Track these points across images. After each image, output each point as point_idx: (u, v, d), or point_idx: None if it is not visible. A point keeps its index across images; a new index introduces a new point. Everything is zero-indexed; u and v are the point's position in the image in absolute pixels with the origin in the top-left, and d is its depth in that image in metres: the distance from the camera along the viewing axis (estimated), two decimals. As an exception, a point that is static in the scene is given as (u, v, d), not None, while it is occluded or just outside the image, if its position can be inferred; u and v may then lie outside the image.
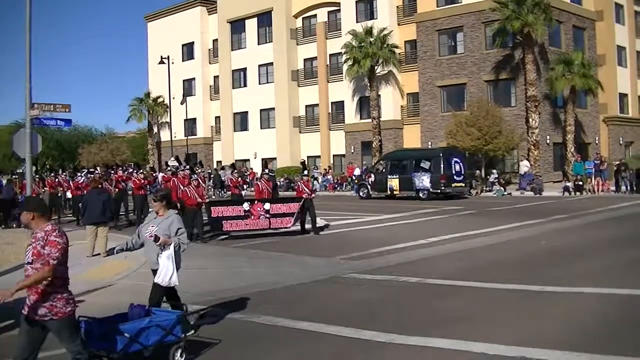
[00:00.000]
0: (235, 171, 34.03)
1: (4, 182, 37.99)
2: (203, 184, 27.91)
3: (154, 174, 34.32)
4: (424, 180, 43.18)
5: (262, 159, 69.61)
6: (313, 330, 11.42)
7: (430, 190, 42.73)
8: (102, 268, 18.54)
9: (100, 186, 24.14)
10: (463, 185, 44.75)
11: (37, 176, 39.70)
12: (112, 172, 34.62)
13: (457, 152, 47.88)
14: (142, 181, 29.05)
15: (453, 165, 43.53)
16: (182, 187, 25.18)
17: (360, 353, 10.13)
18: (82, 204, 25.71)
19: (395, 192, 44.86)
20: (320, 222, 27.33)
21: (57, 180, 36.29)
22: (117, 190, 29.97)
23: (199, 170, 32.71)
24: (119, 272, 17.80)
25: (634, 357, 9.19)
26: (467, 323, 11.58)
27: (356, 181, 53.99)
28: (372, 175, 47.17)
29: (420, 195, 43.22)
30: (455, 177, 43.40)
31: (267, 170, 31.33)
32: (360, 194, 47.72)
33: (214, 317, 12.73)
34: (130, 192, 31.36)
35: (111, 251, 21.01)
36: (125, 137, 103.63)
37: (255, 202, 25.45)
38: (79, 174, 34.26)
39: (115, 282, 16.54)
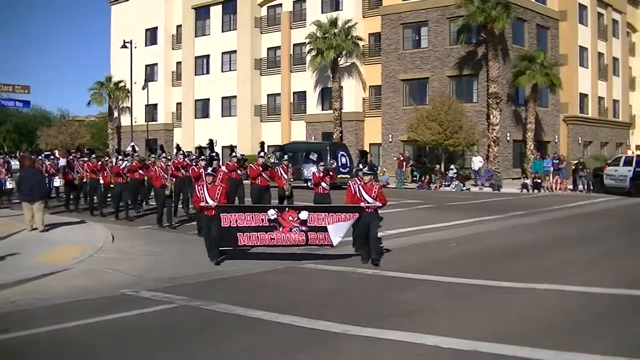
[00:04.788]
0: (322, 164, 23.50)
1: None
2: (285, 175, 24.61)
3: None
4: (312, 171, 44.01)
5: (222, 147, 69.55)
6: (268, 320, 11.38)
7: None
8: (57, 252, 18.37)
9: (33, 166, 24.17)
10: (349, 176, 45.52)
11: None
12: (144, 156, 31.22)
13: (343, 146, 51.64)
14: (236, 165, 26.06)
15: (339, 158, 45.28)
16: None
17: (315, 343, 10.12)
18: (16, 182, 25.84)
19: None
20: None
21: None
22: (173, 180, 25.74)
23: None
24: (74, 256, 17.65)
25: (588, 353, 9.26)
26: (421, 316, 11.62)
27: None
28: None
29: (309, 184, 44.51)
30: (341, 169, 44.89)
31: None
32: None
33: (169, 304, 12.68)
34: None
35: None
36: (86, 120, 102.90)
37: (287, 209, 17.91)
38: (119, 157, 29.86)
39: (71, 267, 16.38)
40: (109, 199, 29.76)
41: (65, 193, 31.20)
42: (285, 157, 26.53)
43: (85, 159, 30.68)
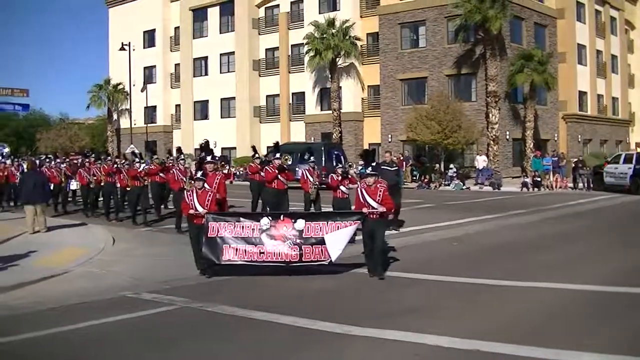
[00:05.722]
0: (341, 166, 22.93)
1: None
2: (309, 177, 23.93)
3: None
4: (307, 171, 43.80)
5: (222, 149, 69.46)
6: (269, 321, 11.41)
7: (312, 179, 43.35)
8: (57, 255, 18.39)
9: (34, 169, 24.51)
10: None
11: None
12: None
13: (337, 146, 51.79)
14: (258, 167, 25.32)
15: (333, 158, 45.10)
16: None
17: (316, 344, 10.15)
18: (18, 185, 25.63)
19: None
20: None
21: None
22: (192, 183, 25.03)
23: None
24: (75, 259, 17.67)
25: (586, 351, 9.29)
26: (422, 315, 11.65)
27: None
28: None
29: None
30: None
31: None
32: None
33: (170, 305, 12.70)
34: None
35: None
36: (85, 123, 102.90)
37: (282, 217, 16.01)
38: (136, 160, 28.33)
39: (71, 269, 16.40)
40: (126, 203, 29.19)
41: (83, 197, 30.35)
42: (312, 158, 25.25)
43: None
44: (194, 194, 16.10)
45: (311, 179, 23.89)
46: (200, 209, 15.87)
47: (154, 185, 27.67)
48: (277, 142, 26.04)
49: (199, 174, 17.05)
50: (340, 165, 22.38)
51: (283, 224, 15.63)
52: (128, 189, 27.53)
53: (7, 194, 34.02)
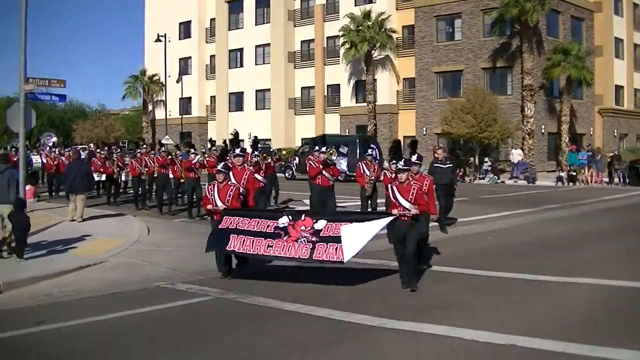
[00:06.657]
0: (395, 162, 18.58)
1: None
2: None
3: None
4: (342, 164, 43.47)
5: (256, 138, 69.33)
6: (303, 313, 11.44)
7: (347, 172, 42.99)
8: (93, 244, 18.51)
9: (78, 159, 24.71)
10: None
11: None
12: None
13: (372, 139, 51.47)
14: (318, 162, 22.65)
15: (368, 151, 44.83)
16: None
17: (351, 336, 10.16)
18: (64, 175, 25.95)
19: None
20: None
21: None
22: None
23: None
24: (110, 249, 17.80)
25: (623, 348, 9.20)
26: (457, 310, 11.59)
27: (282, 163, 55.47)
28: (297, 158, 49.19)
29: (339, 177, 43.55)
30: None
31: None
32: (286, 175, 50.94)
33: (204, 296, 12.75)
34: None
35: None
36: (120, 114, 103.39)
37: (303, 217, 14.42)
38: (191, 151, 28.03)
39: (107, 259, 16.50)
40: (179, 196, 29.03)
41: (134, 189, 29.61)
42: (370, 151, 23.76)
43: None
44: (215, 188, 15.07)
45: (368, 173, 22.07)
46: (220, 204, 14.89)
47: (212, 178, 27.10)
48: (324, 135, 25.01)
49: (220, 166, 15.67)
50: (394, 162, 19.33)
51: (302, 223, 14.15)
52: (182, 181, 27.41)
53: (53, 184, 34.48)
